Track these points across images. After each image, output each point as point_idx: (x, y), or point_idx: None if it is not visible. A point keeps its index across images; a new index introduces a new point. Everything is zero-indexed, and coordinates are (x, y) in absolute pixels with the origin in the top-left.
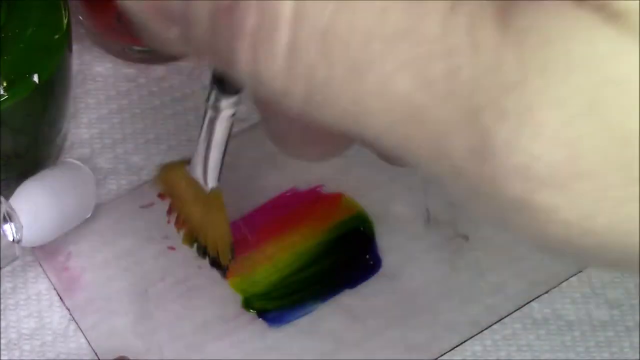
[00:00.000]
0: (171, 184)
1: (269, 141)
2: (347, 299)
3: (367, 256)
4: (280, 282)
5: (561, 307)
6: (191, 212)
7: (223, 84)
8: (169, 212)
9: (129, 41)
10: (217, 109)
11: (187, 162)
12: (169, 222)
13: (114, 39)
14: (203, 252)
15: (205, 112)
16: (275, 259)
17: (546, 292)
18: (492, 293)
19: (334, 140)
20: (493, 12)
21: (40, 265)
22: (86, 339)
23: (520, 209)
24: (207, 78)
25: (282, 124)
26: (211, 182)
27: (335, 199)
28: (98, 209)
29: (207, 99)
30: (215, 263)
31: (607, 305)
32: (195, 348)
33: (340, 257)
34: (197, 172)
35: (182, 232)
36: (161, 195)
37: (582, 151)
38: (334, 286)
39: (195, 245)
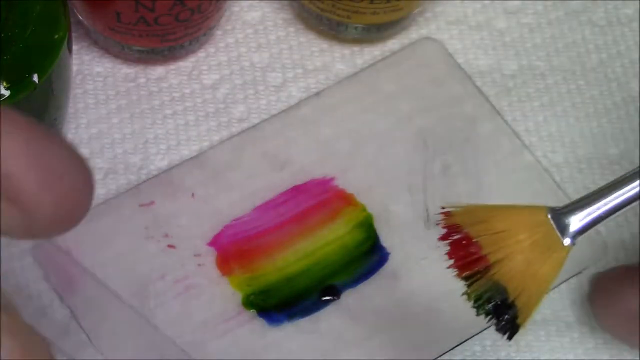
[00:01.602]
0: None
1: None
2: (347, 298)
3: (371, 253)
4: (280, 281)
5: (561, 309)
6: (517, 257)
7: None
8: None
9: (129, 41)
10: None
11: (547, 208)
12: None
13: (114, 39)
14: (494, 299)
15: None
16: (275, 257)
17: (546, 293)
18: None
19: None
20: None
21: (40, 265)
22: (87, 336)
23: None
24: (207, 79)
25: None
26: (573, 238)
27: (337, 197)
28: (98, 209)
29: None
30: (507, 319)
31: None
32: (195, 346)
33: (340, 256)
34: (568, 222)
35: (472, 270)
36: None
37: None
38: (335, 285)
39: (487, 287)
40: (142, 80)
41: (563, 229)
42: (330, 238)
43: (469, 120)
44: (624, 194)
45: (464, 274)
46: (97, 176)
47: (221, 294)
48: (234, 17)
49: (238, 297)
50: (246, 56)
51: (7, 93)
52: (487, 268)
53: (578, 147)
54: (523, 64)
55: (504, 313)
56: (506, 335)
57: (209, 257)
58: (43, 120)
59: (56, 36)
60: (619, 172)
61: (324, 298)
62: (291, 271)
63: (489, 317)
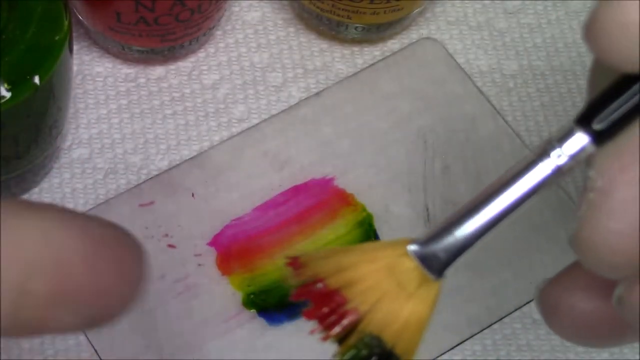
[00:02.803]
0: (358, 268)
1: None
2: None
3: None
4: (280, 280)
5: None
6: (385, 304)
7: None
8: (331, 301)
9: (129, 41)
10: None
11: (409, 240)
12: (321, 313)
13: (114, 39)
14: (371, 346)
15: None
16: (275, 257)
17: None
18: (492, 293)
19: None
20: None
21: None
22: (86, 336)
23: None
24: (207, 79)
25: None
26: (441, 271)
27: (337, 197)
28: (98, 209)
29: (555, 143)
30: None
31: None
32: (195, 346)
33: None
34: (429, 252)
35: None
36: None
37: None
38: None
39: (362, 341)
40: (142, 80)
41: (429, 262)
42: (330, 238)
43: (469, 120)
44: (487, 214)
45: (334, 333)
46: (97, 176)
47: (221, 294)
48: (234, 17)
49: (238, 296)
50: (246, 56)
51: (8, 94)
52: (358, 321)
53: None
54: (523, 64)
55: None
56: None
57: (209, 256)
58: (43, 121)
59: (57, 37)
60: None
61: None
62: None
63: None
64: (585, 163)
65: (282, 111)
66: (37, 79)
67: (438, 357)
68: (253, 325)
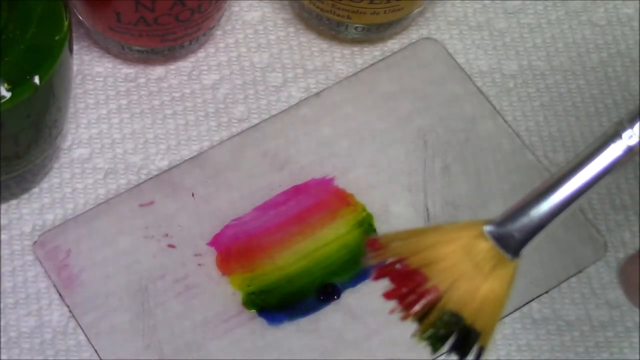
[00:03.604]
0: (440, 247)
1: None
2: (347, 298)
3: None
4: (280, 281)
5: (561, 307)
6: (463, 283)
7: None
8: (412, 279)
9: (129, 41)
10: None
11: (485, 222)
12: (401, 291)
13: (114, 39)
14: (450, 325)
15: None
16: (275, 257)
17: (546, 292)
18: None
19: None
20: None
21: (40, 263)
22: (86, 336)
23: None
24: (207, 79)
25: None
26: (517, 251)
27: (337, 197)
28: (98, 209)
29: (626, 124)
30: (469, 344)
31: (606, 306)
32: (195, 346)
33: (340, 256)
34: (505, 233)
35: (421, 303)
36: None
37: None
38: (335, 285)
39: (441, 319)
40: (142, 80)
41: (505, 242)
42: (330, 238)
43: (469, 120)
44: (561, 194)
45: (415, 311)
46: (97, 176)
47: (221, 294)
48: (234, 17)
49: (238, 296)
50: (246, 56)
51: (8, 95)
52: (438, 298)
53: (579, 147)
54: (523, 64)
55: (466, 339)
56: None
57: (209, 256)
58: (43, 121)
59: (57, 37)
60: (619, 172)
61: (323, 298)
62: (291, 271)
63: (450, 348)
64: None
65: (282, 111)
66: (37, 79)
67: (438, 357)
68: (253, 325)
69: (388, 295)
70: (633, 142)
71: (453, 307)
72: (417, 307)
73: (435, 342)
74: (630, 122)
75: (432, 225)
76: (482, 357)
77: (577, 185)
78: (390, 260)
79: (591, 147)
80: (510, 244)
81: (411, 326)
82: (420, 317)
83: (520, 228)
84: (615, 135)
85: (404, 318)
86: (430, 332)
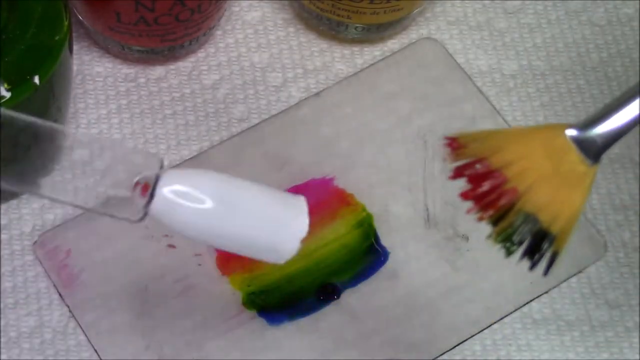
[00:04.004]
0: (522, 147)
1: None
2: (347, 298)
3: (371, 252)
4: (280, 280)
5: (561, 308)
6: (542, 185)
7: None
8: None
9: (129, 41)
10: None
11: (568, 125)
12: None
13: (114, 39)
14: (526, 227)
15: None
16: None
17: (546, 292)
18: (492, 293)
19: None
20: None
21: (40, 263)
22: (86, 336)
23: None
24: (207, 79)
25: None
26: (597, 156)
27: (336, 197)
28: None
29: None
30: (545, 248)
31: (606, 306)
32: (195, 346)
33: (340, 256)
34: (586, 137)
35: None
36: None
37: None
38: (335, 285)
39: (517, 221)
40: (142, 80)
41: (586, 146)
42: (330, 238)
43: (469, 120)
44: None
45: (492, 211)
46: (98, 176)
47: (221, 294)
48: (234, 17)
49: (238, 296)
50: (246, 56)
51: (8, 94)
52: (516, 200)
53: None
54: (523, 64)
55: (541, 243)
56: (544, 268)
57: (209, 256)
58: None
59: (57, 37)
60: (619, 172)
61: (323, 297)
62: (291, 271)
63: (524, 252)
64: None
65: (282, 111)
66: (37, 79)
67: (438, 357)
68: (253, 325)
69: (465, 195)
70: None
71: (530, 210)
72: (495, 208)
73: (511, 245)
74: None
75: (513, 127)
76: (555, 262)
77: None
78: (469, 160)
79: None
80: (592, 148)
81: (410, 329)
82: (497, 219)
83: (603, 133)
84: None
85: (480, 219)
86: (505, 233)
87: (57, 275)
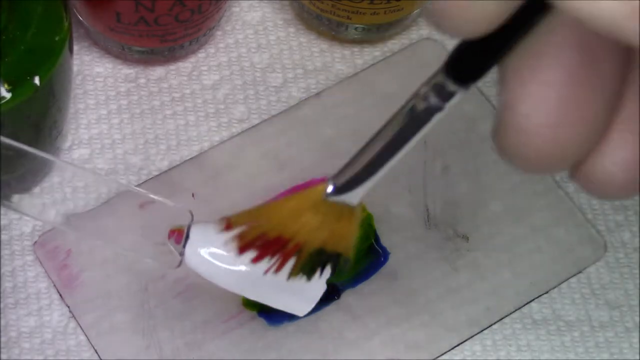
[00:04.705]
0: (294, 220)
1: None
2: (347, 298)
3: (371, 253)
4: None
5: (561, 308)
6: (316, 234)
7: (463, 67)
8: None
9: (129, 41)
10: (441, 99)
11: (324, 184)
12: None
13: (114, 39)
14: (316, 258)
15: (410, 106)
16: None
17: (546, 293)
18: (492, 293)
19: None
20: None
21: (41, 263)
22: (86, 336)
23: None
24: (207, 80)
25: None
26: (360, 196)
27: None
28: (98, 209)
29: (429, 87)
30: (333, 263)
31: (606, 306)
32: (195, 346)
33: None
34: (344, 182)
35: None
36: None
37: None
38: (335, 285)
39: (307, 259)
40: (142, 80)
41: (344, 189)
42: None
43: (469, 120)
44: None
45: (288, 264)
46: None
47: (221, 294)
48: (234, 18)
49: (238, 296)
50: (246, 57)
51: (8, 95)
52: (302, 248)
53: None
54: None
55: (333, 260)
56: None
57: None
58: (43, 122)
59: (57, 38)
60: None
61: (323, 297)
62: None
63: (323, 270)
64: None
65: (282, 112)
66: (37, 80)
67: (438, 357)
68: (253, 326)
69: (255, 261)
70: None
71: (315, 248)
72: (288, 261)
73: (309, 273)
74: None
75: (278, 199)
76: (343, 262)
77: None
78: (251, 237)
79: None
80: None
81: (410, 329)
82: (294, 266)
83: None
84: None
85: (277, 271)
86: (300, 268)
87: (57, 276)
